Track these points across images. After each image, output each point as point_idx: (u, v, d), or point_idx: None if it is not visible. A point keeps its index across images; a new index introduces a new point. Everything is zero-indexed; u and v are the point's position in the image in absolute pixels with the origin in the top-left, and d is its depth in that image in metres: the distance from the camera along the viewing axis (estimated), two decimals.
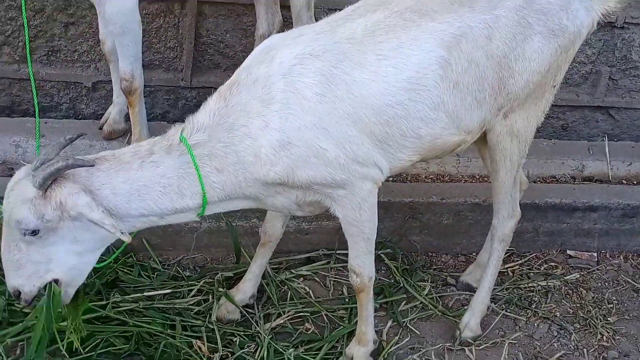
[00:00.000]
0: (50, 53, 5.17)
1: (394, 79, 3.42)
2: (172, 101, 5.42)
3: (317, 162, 3.37)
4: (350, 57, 3.40)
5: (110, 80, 5.04)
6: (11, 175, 4.55)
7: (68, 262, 3.35)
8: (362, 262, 3.79)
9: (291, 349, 4.06)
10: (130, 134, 4.79)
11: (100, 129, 4.99)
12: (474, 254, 4.95)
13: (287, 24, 4.93)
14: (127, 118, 4.91)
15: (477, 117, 3.70)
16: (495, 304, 4.58)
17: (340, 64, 3.38)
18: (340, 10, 3.63)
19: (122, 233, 3.20)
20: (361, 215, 3.60)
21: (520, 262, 4.99)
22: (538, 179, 5.32)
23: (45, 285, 3.37)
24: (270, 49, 3.46)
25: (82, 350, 3.81)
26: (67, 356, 3.81)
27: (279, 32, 4.69)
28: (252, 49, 4.98)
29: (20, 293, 3.37)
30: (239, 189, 3.42)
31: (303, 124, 3.31)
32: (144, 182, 3.29)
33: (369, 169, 3.52)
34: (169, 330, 4.05)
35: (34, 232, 3.18)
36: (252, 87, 3.35)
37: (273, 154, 3.31)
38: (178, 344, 3.98)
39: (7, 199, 3.20)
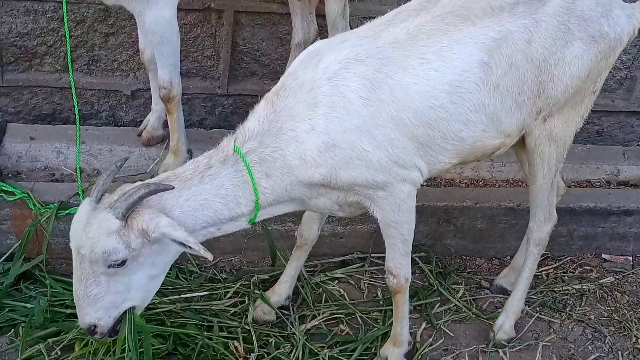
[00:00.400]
0: (90, 62, 5.29)
1: (436, 82, 3.47)
2: (209, 108, 5.51)
3: (359, 164, 3.43)
4: (393, 61, 3.46)
5: (149, 89, 5.15)
6: (53, 181, 4.72)
7: (145, 287, 3.42)
8: (399, 264, 3.83)
9: (326, 350, 4.13)
10: (169, 141, 4.88)
11: (139, 135, 5.10)
12: (508, 257, 4.97)
13: (322, 33, 5.00)
14: (165, 125, 5.01)
15: (517, 120, 3.74)
16: (529, 306, 4.59)
17: (383, 67, 3.44)
18: (374, 18, 3.69)
19: (205, 250, 3.25)
20: (400, 216, 3.65)
21: (554, 265, 4.99)
22: (573, 184, 5.32)
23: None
24: (316, 54, 3.53)
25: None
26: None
27: (314, 40, 4.75)
28: (288, 58, 5.16)
29: (95, 327, 3.38)
30: (285, 193, 3.49)
31: (348, 126, 3.38)
32: (205, 195, 3.36)
33: (409, 172, 3.57)
34: (205, 332, 4.12)
35: (122, 263, 3.23)
36: (298, 91, 3.42)
37: (318, 156, 3.38)
38: (215, 345, 4.05)
39: (87, 234, 3.19)
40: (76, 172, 4.71)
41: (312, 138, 3.37)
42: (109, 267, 3.23)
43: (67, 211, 4.49)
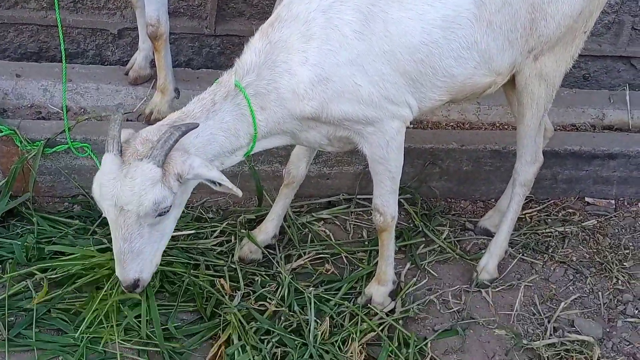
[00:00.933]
0: (77, 0, 5.24)
1: (430, 17, 3.48)
2: (196, 49, 5.48)
3: (351, 98, 3.45)
4: None
5: (136, 28, 5.13)
6: (40, 118, 4.71)
7: (171, 229, 3.45)
8: (386, 201, 3.87)
9: (311, 288, 4.17)
10: (156, 80, 4.86)
11: (126, 74, 5.08)
12: (493, 200, 5.02)
13: None
14: (152, 64, 5.00)
15: (508, 58, 3.75)
16: (512, 248, 4.65)
17: (378, 1, 3.44)
18: None
19: (236, 188, 3.29)
20: (388, 153, 3.68)
21: (538, 208, 5.04)
22: (558, 127, 5.34)
23: None
24: None
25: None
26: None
27: None
28: None
29: (137, 281, 3.38)
30: (277, 125, 3.51)
31: (341, 60, 3.39)
32: (210, 130, 3.37)
33: (399, 108, 3.59)
34: (192, 270, 4.16)
35: (169, 209, 3.25)
36: (292, 23, 3.42)
37: (311, 89, 3.39)
38: (201, 282, 4.09)
39: (131, 189, 3.13)
40: (62, 110, 4.69)
41: (305, 71, 3.38)
42: (158, 216, 3.23)
43: (54, 149, 4.51)
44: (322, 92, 3.39)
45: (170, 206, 3.26)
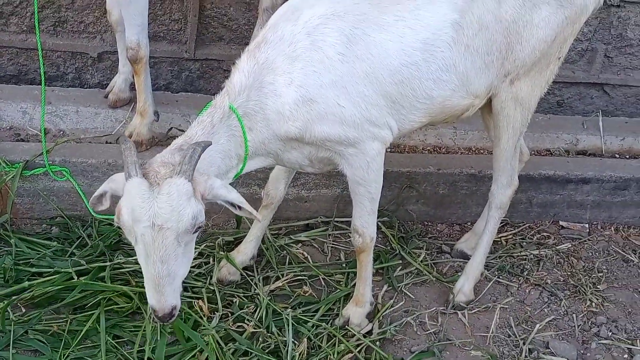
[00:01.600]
0: (57, 24, 5.27)
1: (410, 40, 3.56)
2: (175, 72, 5.52)
3: (334, 120, 3.50)
4: (369, 18, 3.53)
5: (116, 51, 5.16)
6: (19, 140, 4.72)
7: (192, 253, 3.35)
8: (365, 222, 3.91)
9: (289, 310, 4.18)
10: (135, 103, 4.89)
11: (106, 97, 5.10)
12: (469, 223, 5.08)
13: None
14: (131, 87, 5.02)
15: (485, 80, 3.83)
16: (488, 271, 4.70)
17: (360, 24, 3.51)
18: None
19: (255, 211, 3.26)
20: (369, 174, 3.73)
21: (513, 231, 5.10)
22: (533, 152, 5.40)
23: None
24: (296, 8, 3.57)
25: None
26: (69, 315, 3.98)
27: (282, 4, 4.77)
28: (256, 23, 5.16)
29: (174, 309, 3.22)
30: (262, 146, 3.56)
31: (325, 81, 3.45)
32: (210, 152, 3.35)
33: (380, 129, 3.64)
34: None
35: (201, 226, 3.19)
36: (278, 44, 3.47)
37: (295, 110, 3.44)
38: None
39: (170, 205, 3.05)
40: (41, 133, 4.70)
41: (290, 92, 3.43)
42: (195, 231, 3.17)
43: (32, 171, 4.52)
44: (306, 113, 3.44)
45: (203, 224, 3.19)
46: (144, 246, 3.11)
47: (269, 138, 3.52)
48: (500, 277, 4.72)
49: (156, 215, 3.06)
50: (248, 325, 4.05)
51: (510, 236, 5.07)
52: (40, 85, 4.63)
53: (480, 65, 3.74)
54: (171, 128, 4.96)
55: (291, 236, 4.78)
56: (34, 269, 4.21)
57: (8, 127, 4.90)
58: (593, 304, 4.60)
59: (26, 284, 4.10)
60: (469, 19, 3.64)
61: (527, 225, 5.20)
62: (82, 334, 3.88)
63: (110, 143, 4.86)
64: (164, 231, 3.07)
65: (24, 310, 4.04)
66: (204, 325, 4.00)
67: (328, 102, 3.46)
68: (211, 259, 4.47)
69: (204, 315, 4.07)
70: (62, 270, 4.18)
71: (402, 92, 3.59)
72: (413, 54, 3.55)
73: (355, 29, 3.48)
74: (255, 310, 4.20)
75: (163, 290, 3.15)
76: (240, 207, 3.27)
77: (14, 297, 4.04)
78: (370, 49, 3.49)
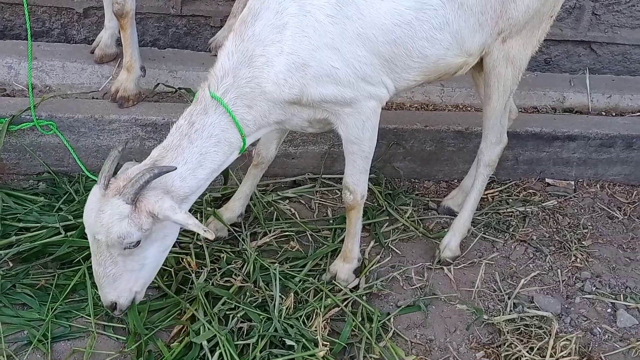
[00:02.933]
0: None
1: None
2: (162, 28, 5.48)
3: (328, 81, 3.49)
4: None
5: (101, 7, 5.12)
6: (5, 96, 4.70)
7: (156, 261, 3.60)
8: (357, 180, 3.93)
9: (276, 265, 4.21)
10: (122, 58, 4.85)
11: (92, 52, 5.06)
12: (456, 180, 5.10)
13: None
14: (118, 43, 4.99)
15: (479, 39, 3.81)
16: (474, 227, 4.72)
17: None
18: None
19: (205, 230, 3.35)
20: (363, 133, 3.73)
21: (500, 189, 5.13)
22: (520, 110, 5.38)
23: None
24: None
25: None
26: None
27: None
28: None
29: (116, 305, 3.55)
30: (265, 119, 3.57)
31: (316, 45, 3.42)
32: (200, 151, 3.46)
33: (375, 88, 3.63)
34: None
35: (137, 243, 3.38)
36: (264, 14, 3.44)
37: (290, 77, 3.43)
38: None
39: (100, 221, 3.32)
40: (28, 88, 4.68)
41: (282, 60, 3.41)
42: (126, 248, 3.37)
43: (19, 126, 4.49)
44: (300, 78, 3.43)
45: (138, 241, 3.37)
46: (90, 246, 3.45)
47: (270, 109, 3.53)
48: (486, 233, 4.75)
49: (92, 226, 3.37)
50: (235, 280, 4.08)
51: (497, 193, 5.10)
52: (26, 40, 4.60)
53: (474, 24, 3.72)
54: (158, 84, 4.94)
55: (279, 192, 4.79)
56: (21, 224, 4.21)
57: None
58: (577, 259, 4.64)
59: (13, 238, 4.10)
60: None
61: (514, 182, 5.23)
62: (69, 288, 3.90)
63: (96, 99, 4.83)
64: (97, 240, 3.37)
65: (11, 265, 4.05)
66: (191, 282, 4.03)
67: (322, 64, 3.44)
68: (199, 215, 4.47)
69: (192, 271, 4.09)
70: (50, 225, 4.18)
71: (395, 51, 3.57)
72: (405, 13, 3.52)
73: None
74: (242, 266, 4.21)
75: (102, 287, 3.50)
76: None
77: (1, 252, 4.04)
78: (361, 9, 3.45)
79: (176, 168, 3.40)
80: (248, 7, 3.52)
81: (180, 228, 3.57)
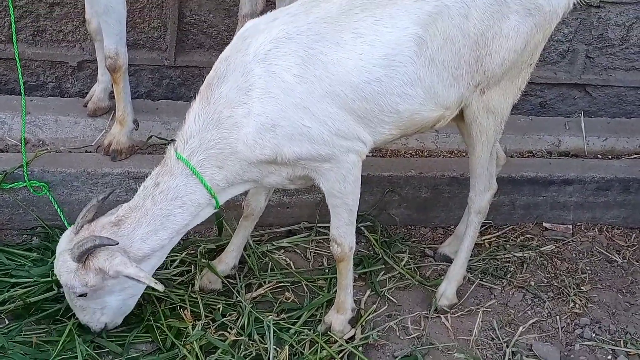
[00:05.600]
0: (35, 33, 5.26)
1: (370, 56, 3.50)
2: (156, 80, 5.51)
3: (301, 139, 3.48)
4: (325, 37, 3.48)
5: (95, 60, 5.14)
6: None
7: (120, 305, 3.82)
8: (343, 233, 3.90)
9: (271, 317, 4.15)
10: (115, 112, 4.87)
11: (85, 106, 5.07)
12: (452, 226, 5.06)
13: (270, 5, 5.00)
14: (111, 96, 5.00)
15: (455, 93, 3.79)
16: (471, 273, 4.69)
17: (315, 44, 3.46)
18: None
19: (155, 283, 3.57)
20: (345, 187, 3.71)
21: (497, 234, 5.09)
22: (515, 154, 5.41)
23: None
24: (246, 37, 3.55)
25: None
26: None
27: (262, 12, 4.76)
28: (235, 29, 5.15)
29: (88, 328, 3.86)
30: (238, 177, 3.58)
31: (285, 105, 3.42)
32: (163, 213, 3.57)
33: (352, 142, 3.62)
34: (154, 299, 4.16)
35: (82, 295, 3.64)
36: (231, 77, 3.46)
37: (260, 138, 3.43)
38: (162, 310, 4.13)
39: (56, 265, 3.65)
40: (21, 143, 4.68)
41: (250, 121, 3.42)
42: (80, 295, 3.66)
43: (12, 185, 4.49)
44: (272, 139, 3.44)
45: (83, 294, 3.63)
46: None
47: (244, 168, 3.55)
48: (484, 279, 4.71)
49: (54, 266, 3.71)
50: (230, 333, 4.04)
51: (494, 238, 5.06)
52: (20, 95, 4.62)
53: (447, 79, 3.70)
54: (151, 136, 4.94)
55: (273, 242, 4.76)
56: (13, 280, 4.18)
57: None
58: (577, 305, 4.59)
59: (5, 295, 4.07)
60: (432, 32, 3.57)
61: (511, 227, 5.19)
62: (59, 345, 3.87)
63: (90, 152, 4.83)
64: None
65: (6, 322, 4.01)
66: (185, 335, 3.99)
67: (292, 124, 3.44)
68: (193, 267, 4.45)
69: (187, 321, 4.05)
70: (42, 280, 4.16)
71: (367, 107, 3.56)
72: (373, 70, 3.50)
73: (310, 49, 3.44)
74: (237, 318, 4.18)
75: (75, 312, 3.84)
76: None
77: None
78: (329, 67, 3.45)
79: (117, 243, 3.51)
80: (214, 70, 3.56)
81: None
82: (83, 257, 3.52)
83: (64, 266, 3.58)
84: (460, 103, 3.90)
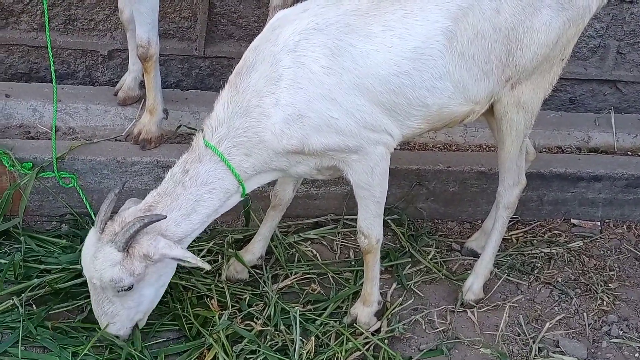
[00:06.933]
0: (67, 22, 5.28)
1: (399, 49, 3.50)
2: (185, 70, 5.52)
3: (329, 131, 3.50)
4: (355, 29, 3.49)
5: (126, 49, 5.16)
6: (29, 138, 4.74)
7: (153, 297, 3.76)
8: (370, 225, 3.90)
9: (297, 308, 4.17)
10: (145, 101, 4.89)
11: (115, 95, 5.11)
12: (479, 221, 5.05)
13: None
14: (141, 85, 5.02)
15: (485, 88, 3.78)
16: (498, 269, 4.68)
17: (345, 36, 3.47)
18: None
19: (202, 262, 3.56)
20: (373, 179, 3.72)
21: (524, 229, 5.08)
22: (544, 150, 5.39)
23: None
24: (275, 27, 3.57)
25: None
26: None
27: (293, 3, 4.76)
28: (265, 20, 5.16)
29: (117, 337, 3.76)
30: (266, 165, 3.60)
31: (312, 96, 3.43)
32: (194, 198, 3.58)
33: (380, 135, 3.62)
34: (181, 288, 4.19)
35: (130, 287, 3.54)
36: (260, 67, 3.48)
37: (287, 128, 3.45)
38: (190, 297, 4.16)
39: (94, 266, 3.51)
40: (52, 131, 4.72)
41: (278, 112, 3.44)
42: (119, 291, 3.55)
43: (43, 174, 4.51)
44: (299, 129, 3.45)
45: (131, 286, 3.53)
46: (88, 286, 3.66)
47: (271, 157, 3.56)
48: (511, 275, 4.70)
49: (87, 269, 3.57)
50: (256, 323, 4.06)
51: (521, 234, 5.04)
52: (51, 83, 4.65)
53: (477, 73, 3.69)
54: (180, 126, 4.97)
55: (300, 234, 4.77)
56: (42, 266, 4.22)
57: (18, 125, 4.91)
58: (604, 302, 4.57)
59: (35, 281, 4.11)
60: (463, 26, 3.57)
61: (538, 223, 5.17)
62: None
63: (120, 140, 4.86)
64: (92, 283, 3.58)
65: (34, 307, 4.04)
66: (211, 324, 4.01)
67: (320, 115, 3.46)
68: (220, 257, 4.47)
69: (214, 311, 4.08)
70: (71, 267, 4.19)
71: (395, 100, 3.56)
72: (402, 63, 3.50)
73: (339, 41, 3.45)
74: (263, 309, 4.20)
75: (102, 323, 3.72)
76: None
77: (23, 295, 4.04)
78: (357, 60, 3.46)
79: (166, 216, 3.51)
80: (243, 59, 3.58)
81: (178, 266, 3.72)
82: (129, 243, 3.45)
83: (108, 260, 3.47)
84: (491, 98, 3.88)
